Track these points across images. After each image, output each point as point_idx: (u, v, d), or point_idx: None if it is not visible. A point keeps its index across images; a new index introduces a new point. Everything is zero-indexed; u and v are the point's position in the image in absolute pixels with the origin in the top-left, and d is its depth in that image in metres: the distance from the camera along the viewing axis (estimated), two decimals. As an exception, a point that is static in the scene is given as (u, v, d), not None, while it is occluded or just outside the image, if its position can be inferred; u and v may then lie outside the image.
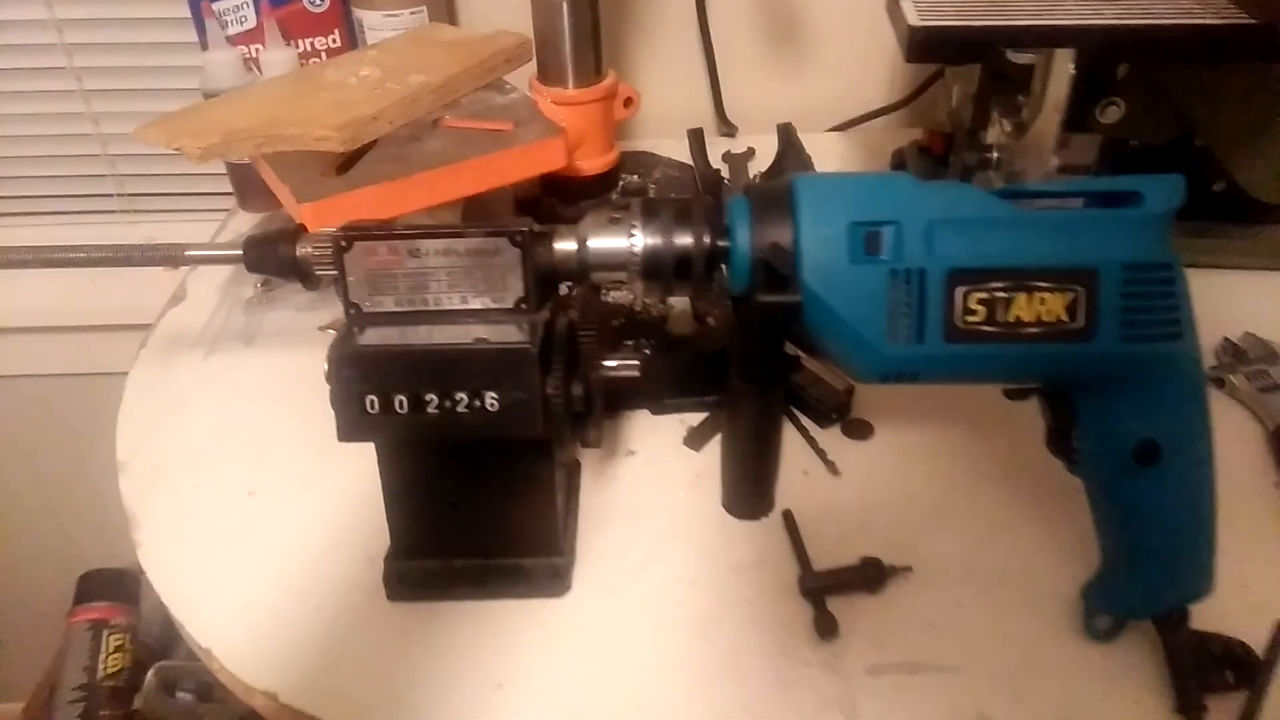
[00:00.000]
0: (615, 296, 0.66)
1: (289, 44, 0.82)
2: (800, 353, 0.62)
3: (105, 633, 1.01)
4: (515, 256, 0.44)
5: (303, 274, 0.46)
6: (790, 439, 0.62)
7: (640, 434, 0.63)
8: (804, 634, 0.50)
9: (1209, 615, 0.48)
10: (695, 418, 0.63)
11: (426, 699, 0.48)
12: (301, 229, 0.48)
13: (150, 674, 1.00)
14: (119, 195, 1.07)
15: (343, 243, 0.43)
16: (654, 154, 0.86)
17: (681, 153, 0.89)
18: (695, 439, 0.62)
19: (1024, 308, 0.43)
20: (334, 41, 0.84)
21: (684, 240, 0.44)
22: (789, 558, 0.54)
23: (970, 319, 0.43)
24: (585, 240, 0.45)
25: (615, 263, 0.45)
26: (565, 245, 0.45)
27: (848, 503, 0.58)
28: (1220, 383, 0.65)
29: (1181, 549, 0.46)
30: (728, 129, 0.97)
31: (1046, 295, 0.43)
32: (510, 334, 0.44)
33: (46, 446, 1.17)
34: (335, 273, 0.44)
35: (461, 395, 0.43)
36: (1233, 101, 0.71)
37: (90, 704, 0.96)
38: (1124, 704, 0.47)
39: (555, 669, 0.49)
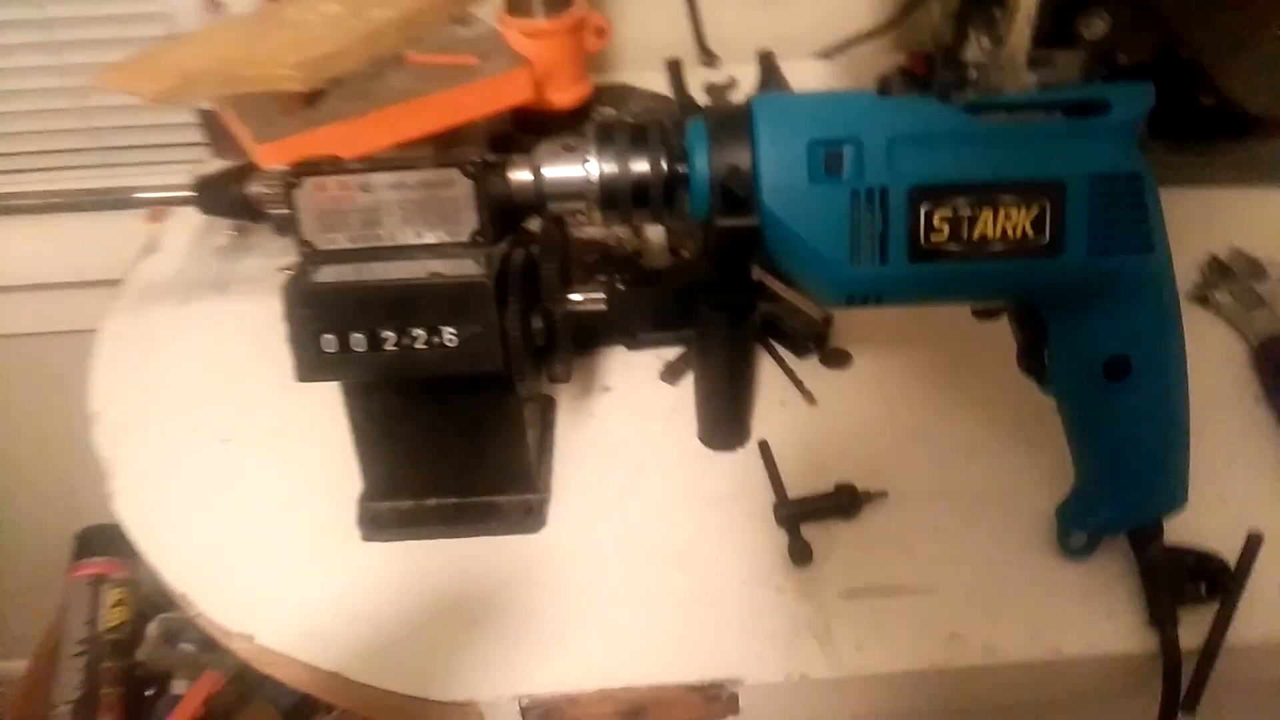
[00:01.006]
0: (588, 232, 0.65)
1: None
2: (776, 283, 0.61)
3: (104, 587, 1.02)
4: (468, 188, 0.43)
5: (255, 213, 0.46)
6: (768, 370, 0.62)
7: (616, 370, 0.62)
8: (779, 561, 0.50)
9: (1187, 529, 0.48)
10: (672, 353, 0.63)
11: (401, 636, 0.48)
12: (252, 167, 0.47)
13: (152, 625, 1.01)
14: (96, 149, 1.06)
15: (291, 179, 0.42)
16: (631, 86, 0.84)
17: (661, 85, 0.88)
18: (671, 373, 0.62)
19: (989, 224, 0.42)
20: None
21: (640, 166, 0.43)
22: (765, 487, 0.54)
23: (935, 237, 0.42)
24: (540, 169, 0.44)
25: (571, 191, 0.44)
26: (520, 175, 0.44)
27: (824, 431, 0.58)
28: (1205, 300, 0.64)
29: (1154, 463, 0.46)
30: (708, 59, 0.94)
31: (1012, 210, 0.41)
32: (466, 268, 0.43)
33: (39, 404, 1.18)
34: (287, 210, 0.43)
35: (419, 331, 0.43)
36: (1222, 10, 0.69)
37: (94, 657, 0.97)
38: (1097, 619, 0.47)
39: (530, 604, 0.49)
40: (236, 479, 0.56)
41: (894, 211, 0.41)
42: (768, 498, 0.53)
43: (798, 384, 0.61)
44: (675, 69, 0.79)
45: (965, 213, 0.41)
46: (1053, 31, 0.67)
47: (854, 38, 0.93)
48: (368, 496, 0.52)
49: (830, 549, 0.51)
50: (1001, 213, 0.41)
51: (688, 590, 0.49)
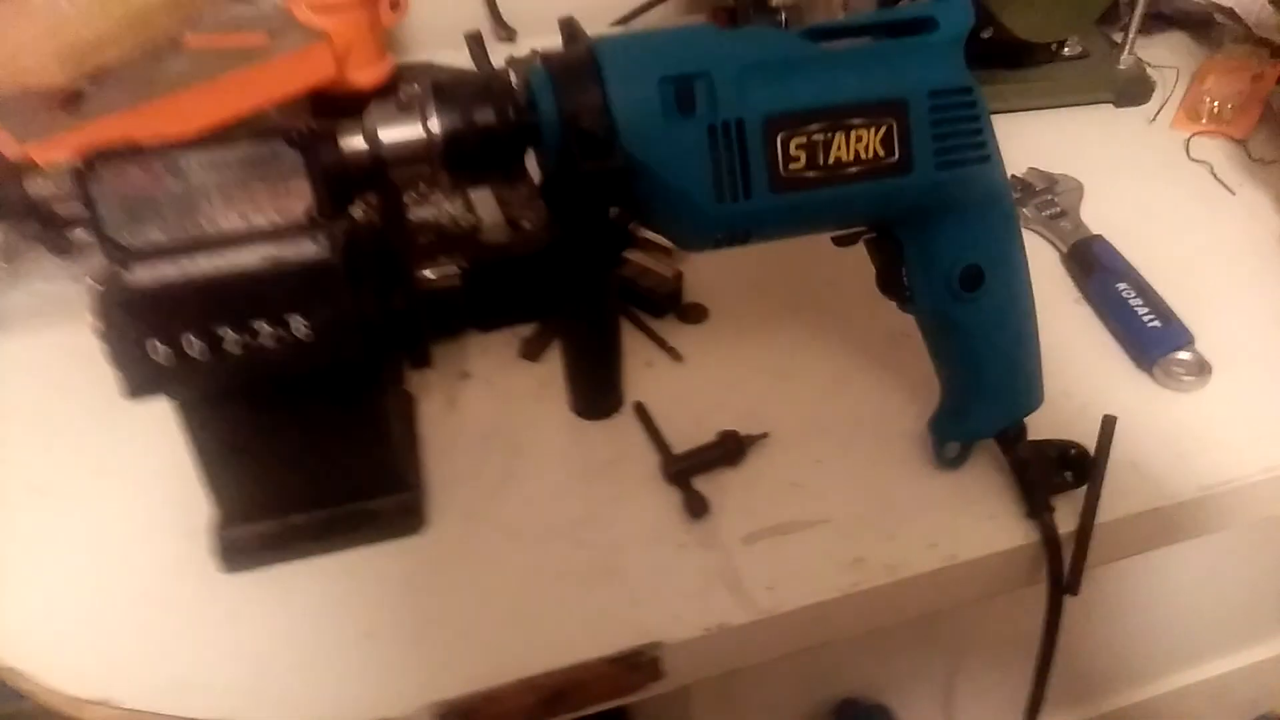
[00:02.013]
0: (419, 213, 0.61)
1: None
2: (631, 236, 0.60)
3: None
4: (296, 160, 0.38)
5: (43, 217, 0.39)
6: (629, 334, 0.61)
7: (472, 355, 0.59)
8: (676, 517, 0.49)
9: (1042, 426, 0.50)
10: (527, 329, 0.60)
11: (289, 668, 0.43)
12: (30, 163, 0.40)
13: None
14: None
15: (83, 169, 0.37)
16: (434, 63, 0.80)
17: (463, 61, 0.84)
18: (531, 349, 0.59)
19: (843, 147, 0.42)
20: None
21: (485, 118, 0.40)
22: (648, 448, 0.53)
23: (793, 166, 0.42)
24: (375, 132, 0.40)
25: (413, 154, 0.40)
26: (353, 141, 0.40)
27: (696, 385, 0.57)
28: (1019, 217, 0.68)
29: (1012, 367, 0.48)
30: (506, 33, 0.91)
31: (862, 132, 0.42)
32: (307, 249, 0.39)
33: None
34: (83, 207, 0.37)
35: (263, 325, 0.38)
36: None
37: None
38: (983, 519, 0.49)
39: (425, 606, 0.45)
40: (59, 530, 0.49)
41: (752, 143, 0.41)
42: (652, 458, 0.52)
43: (661, 343, 0.60)
44: (476, 41, 0.76)
45: (819, 138, 0.41)
46: (848, -28, 0.69)
47: (649, 3, 0.93)
48: (222, 523, 0.46)
49: (724, 497, 0.50)
50: (853, 135, 0.42)
51: (589, 563, 0.47)
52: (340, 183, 0.40)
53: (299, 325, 0.38)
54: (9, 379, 0.57)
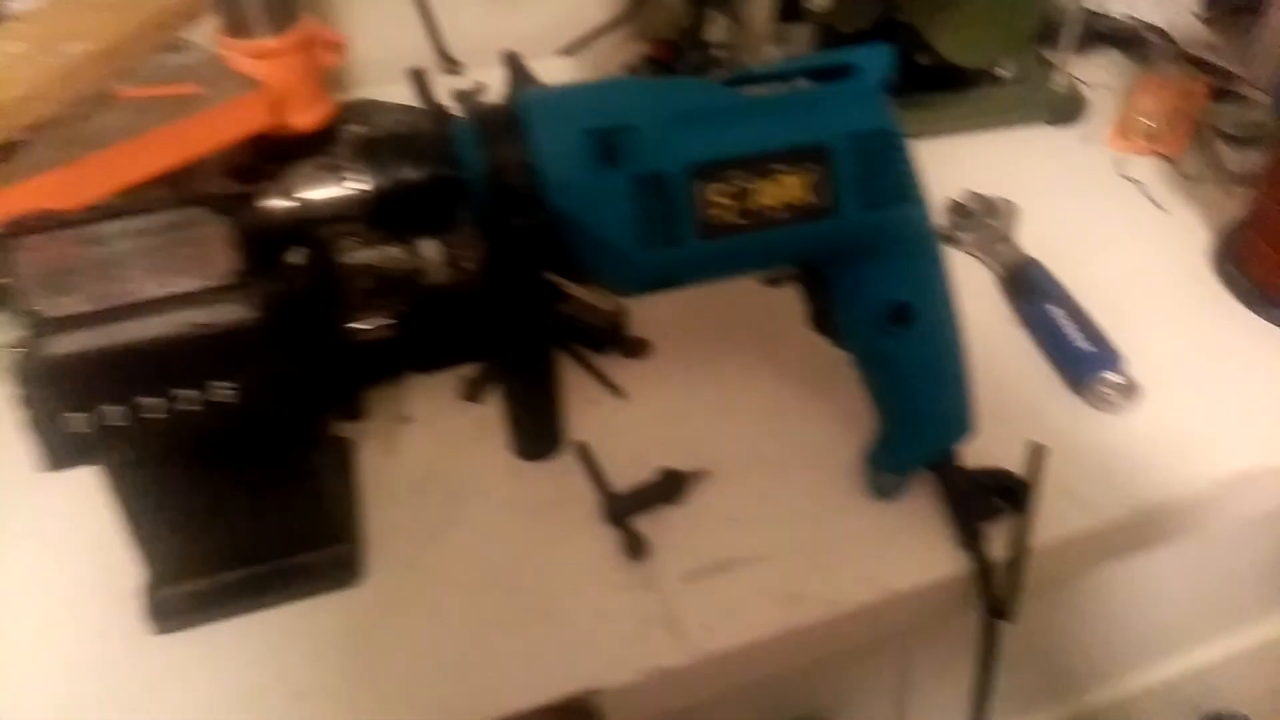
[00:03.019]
0: (357, 257, 0.61)
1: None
2: (566, 282, 0.60)
3: None
4: (218, 225, 0.38)
5: (-41, 288, 0.39)
6: (572, 371, 0.61)
7: (414, 398, 0.59)
8: (616, 559, 0.50)
9: (979, 452, 0.51)
10: (469, 370, 0.60)
11: (220, 729, 0.43)
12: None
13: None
14: None
15: (0, 239, 0.36)
16: (378, 101, 0.80)
17: (408, 97, 0.84)
18: (473, 390, 0.59)
19: (768, 193, 0.42)
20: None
21: (410, 176, 0.41)
22: (590, 488, 0.53)
23: (719, 213, 0.42)
24: (299, 194, 0.40)
25: (339, 213, 0.40)
26: (278, 203, 0.40)
27: (639, 421, 0.57)
28: (953, 240, 0.69)
29: (943, 398, 0.49)
30: (451, 66, 0.92)
31: (786, 178, 0.42)
32: (232, 312, 0.38)
33: None
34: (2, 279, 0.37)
35: (188, 392, 0.38)
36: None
37: None
38: (919, 550, 0.50)
39: (359, 661, 0.45)
40: (-15, 597, 0.48)
41: (677, 192, 0.41)
42: (594, 499, 0.52)
43: (603, 380, 0.60)
44: (420, 78, 0.76)
45: (744, 185, 0.42)
46: (782, 7, 0.70)
47: (594, 31, 0.93)
48: (152, 584, 0.46)
49: (664, 536, 0.50)
50: (778, 181, 0.42)
51: (528, 610, 0.47)
52: (264, 243, 0.40)
53: (223, 388, 0.38)
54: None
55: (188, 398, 0.38)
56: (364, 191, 0.40)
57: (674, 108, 0.42)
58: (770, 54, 0.61)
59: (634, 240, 0.41)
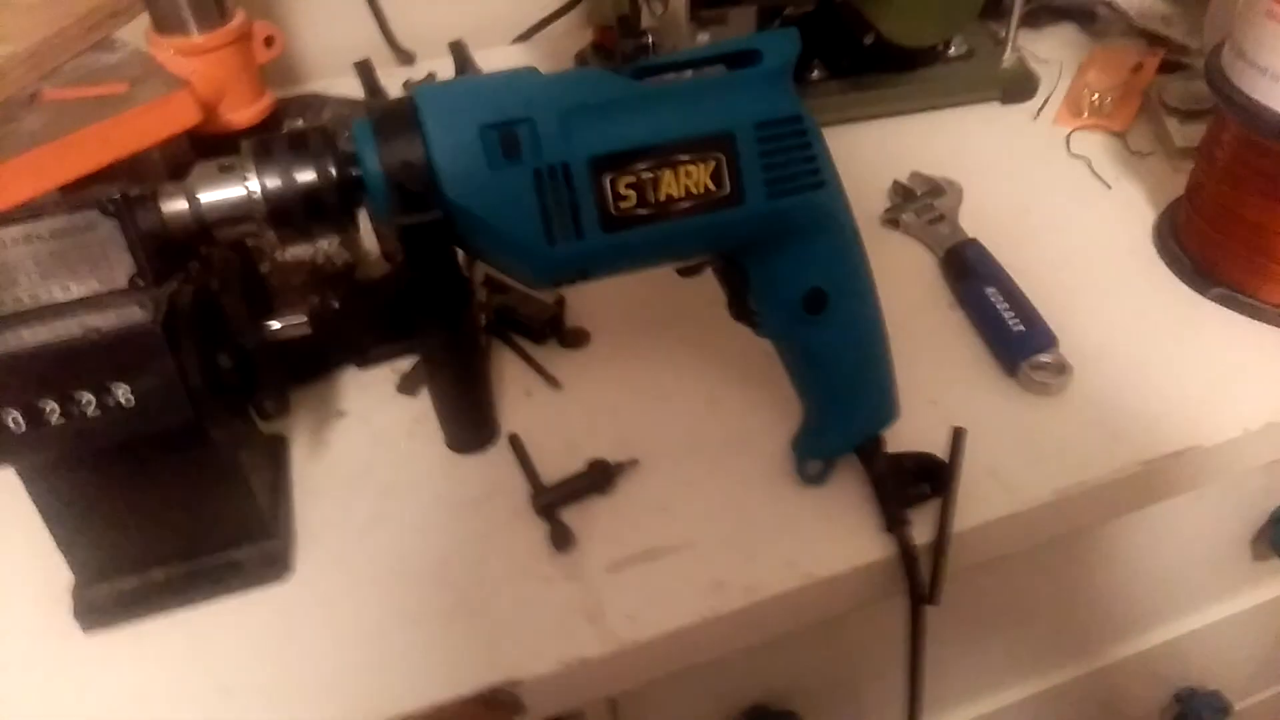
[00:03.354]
0: (294, 252, 0.61)
1: None
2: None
3: None
4: (113, 228, 0.38)
5: None
6: (509, 362, 0.61)
7: (350, 392, 0.59)
8: (543, 551, 0.50)
9: (911, 437, 0.51)
10: (406, 363, 0.60)
11: (143, 726, 0.43)
12: None
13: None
14: None
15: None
16: (322, 95, 0.80)
17: (357, 90, 0.84)
18: (408, 384, 0.59)
19: (672, 184, 0.42)
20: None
21: (306, 176, 0.41)
22: (521, 480, 0.53)
23: (623, 204, 0.42)
24: (195, 196, 0.40)
25: (238, 215, 0.41)
26: (174, 205, 0.40)
27: (572, 412, 0.57)
28: (895, 223, 0.69)
29: (863, 384, 0.49)
30: (403, 57, 0.91)
31: (690, 168, 0.42)
32: (129, 315, 0.39)
33: None
34: (-106, 287, 0.37)
35: (86, 396, 0.38)
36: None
37: None
38: (843, 535, 0.50)
39: (286, 655, 0.46)
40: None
41: (579, 185, 0.41)
42: (525, 491, 0.53)
43: (539, 370, 0.60)
44: (365, 70, 0.76)
45: (647, 176, 0.42)
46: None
47: (544, 19, 0.93)
48: (80, 583, 0.46)
49: (591, 527, 0.51)
50: (681, 171, 0.42)
51: (454, 603, 0.48)
52: (164, 246, 0.40)
53: (123, 392, 0.39)
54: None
55: (88, 402, 0.38)
56: (259, 192, 0.40)
57: (574, 100, 0.41)
58: (700, 40, 0.61)
59: (536, 234, 0.41)
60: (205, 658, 0.46)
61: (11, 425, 0.38)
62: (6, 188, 0.52)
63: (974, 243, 0.65)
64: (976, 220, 0.68)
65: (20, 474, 0.42)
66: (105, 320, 0.38)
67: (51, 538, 0.45)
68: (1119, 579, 0.73)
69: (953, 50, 0.80)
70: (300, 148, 0.41)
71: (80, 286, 0.39)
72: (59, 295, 0.39)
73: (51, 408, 0.38)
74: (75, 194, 0.38)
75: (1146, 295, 0.63)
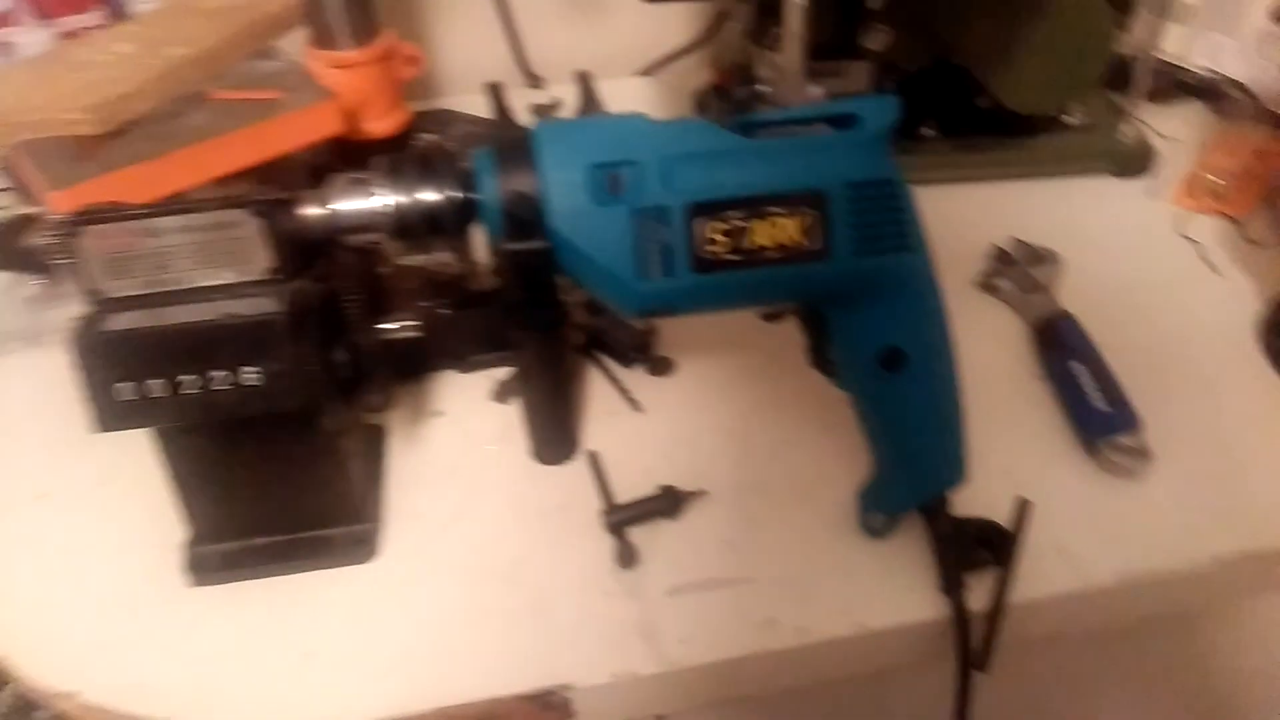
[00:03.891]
0: (412, 259, 0.66)
1: (47, 23, 0.77)
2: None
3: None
4: (257, 227, 0.43)
5: (39, 265, 0.45)
6: (597, 382, 0.64)
7: (448, 394, 0.63)
8: (607, 566, 0.52)
9: (977, 502, 0.52)
10: (503, 373, 0.64)
11: (233, 677, 0.48)
12: (33, 218, 0.46)
13: (3, 694, 0.96)
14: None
15: (71, 229, 0.42)
16: (452, 111, 0.85)
17: (485, 108, 0.89)
18: (502, 393, 0.63)
19: (762, 234, 0.45)
20: (100, 19, 0.79)
21: (429, 196, 0.45)
22: (595, 497, 0.56)
23: (714, 249, 0.45)
24: (331, 204, 0.45)
25: (365, 224, 0.45)
26: (312, 210, 0.45)
27: (650, 437, 0.60)
28: (991, 288, 0.69)
29: (933, 444, 0.50)
30: (533, 81, 0.96)
31: (781, 220, 0.45)
32: (262, 305, 0.43)
33: None
34: (70, 261, 0.43)
35: (219, 373, 0.43)
36: (979, 20, 0.74)
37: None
38: (900, 590, 0.51)
39: (364, 631, 0.50)
40: (53, 535, 0.54)
41: (674, 227, 0.44)
42: (597, 506, 0.55)
43: (624, 393, 0.63)
44: (495, 92, 0.81)
45: (740, 224, 0.44)
46: (840, 44, 0.71)
47: (669, 55, 0.96)
48: (192, 541, 0.51)
49: (656, 549, 0.53)
50: (772, 222, 0.45)
51: (519, 603, 0.51)
52: (299, 246, 0.45)
53: (250, 374, 0.43)
54: (36, 390, 0.63)
55: (220, 378, 0.43)
56: (386, 206, 0.44)
57: (678, 148, 0.44)
58: (812, 92, 0.63)
59: (630, 268, 0.44)
60: (293, 623, 0.50)
61: (153, 393, 0.42)
62: (170, 176, 0.59)
63: (1068, 316, 0.65)
64: (1074, 293, 0.67)
65: (156, 438, 0.47)
66: (243, 308, 0.43)
67: (172, 498, 0.50)
68: (1193, 679, 0.71)
69: (1069, 119, 0.80)
70: (426, 169, 0.45)
71: (224, 275, 0.44)
72: (205, 280, 0.44)
73: (189, 380, 0.42)
74: (227, 193, 0.43)
75: (1242, 389, 0.62)
